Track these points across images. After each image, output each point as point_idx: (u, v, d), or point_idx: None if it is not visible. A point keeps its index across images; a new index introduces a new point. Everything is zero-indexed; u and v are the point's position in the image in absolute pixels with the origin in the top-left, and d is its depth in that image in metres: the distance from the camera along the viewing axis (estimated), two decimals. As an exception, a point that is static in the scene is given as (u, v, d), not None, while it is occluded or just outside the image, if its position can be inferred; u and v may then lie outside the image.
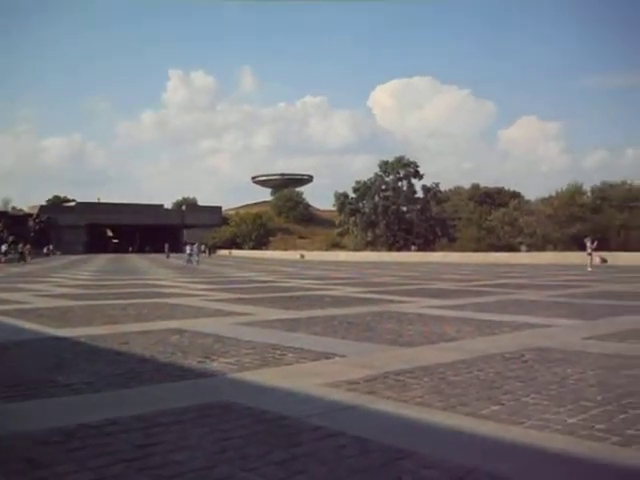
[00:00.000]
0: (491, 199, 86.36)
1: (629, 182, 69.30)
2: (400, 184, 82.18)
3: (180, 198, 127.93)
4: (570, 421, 4.46)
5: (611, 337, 8.48)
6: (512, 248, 63.48)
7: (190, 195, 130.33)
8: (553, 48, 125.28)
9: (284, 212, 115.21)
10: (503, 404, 4.95)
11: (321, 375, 6.03)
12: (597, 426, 4.33)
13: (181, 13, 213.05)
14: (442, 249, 69.29)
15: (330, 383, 5.66)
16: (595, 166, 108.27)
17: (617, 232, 60.01)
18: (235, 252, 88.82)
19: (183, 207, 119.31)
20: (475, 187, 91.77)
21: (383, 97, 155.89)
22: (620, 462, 3.67)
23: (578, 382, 5.72)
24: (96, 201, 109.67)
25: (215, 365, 6.67)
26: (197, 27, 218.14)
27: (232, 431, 4.26)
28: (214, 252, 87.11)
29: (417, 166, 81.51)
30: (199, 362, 6.84)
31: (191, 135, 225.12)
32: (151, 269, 39.15)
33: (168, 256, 67.11)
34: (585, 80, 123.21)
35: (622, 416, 4.58)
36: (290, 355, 7.22)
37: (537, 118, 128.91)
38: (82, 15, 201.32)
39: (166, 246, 71.16)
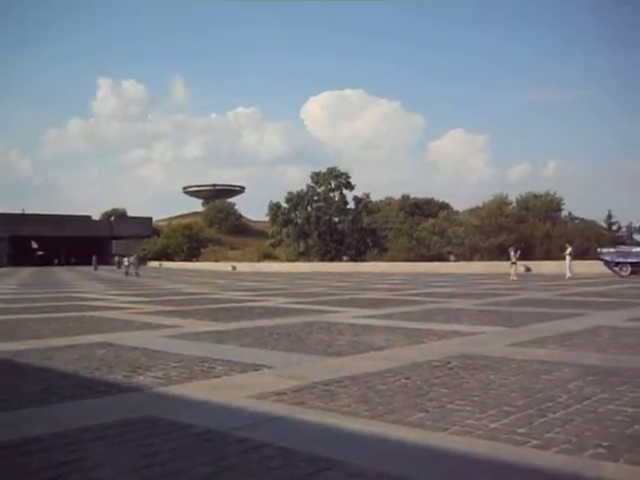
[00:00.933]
0: (421, 210, 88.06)
1: (552, 193, 71.78)
2: (332, 195, 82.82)
3: (109, 209, 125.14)
4: (492, 426, 4.57)
5: (533, 343, 8.75)
6: (441, 258, 64.75)
7: (119, 206, 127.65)
8: (477, 62, 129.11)
9: (216, 223, 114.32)
10: (428, 411, 5.03)
11: (249, 387, 5.99)
12: (518, 430, 4.45)
13: (110, 20, 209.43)
14: (373, 259, 70.16)
15: (257, 395, 5.63)
16: (520, 177, 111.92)
17: (540, 241, 61.96)
18: (166, 264, 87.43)
19: (112, 218, 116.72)
20: (405, 198, 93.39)
21: (315, 109, 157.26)
22: (538, 465, 3.78)
23: (500, 388, 5.86)
24: (20, 212, 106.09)
25: (141, 379, 6.54)
26: (127, 35, 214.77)
27: (157, 446, 4.18)
28: (144, 264, 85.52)
29: (349, 177, 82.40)
30: (125, 376, 6.69)
31: (121, 144, 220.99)
32: (78, 282, 38.11)
33: (96, 268, 65.55)
34: (508, 94, 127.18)
35: (541, 420, 4.72)
36: (218, 368, 7.15)
37: (464, 131, 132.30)
38: (8, 20, 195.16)
39: (94, 258, 69.49)
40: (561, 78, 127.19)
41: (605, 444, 4.11)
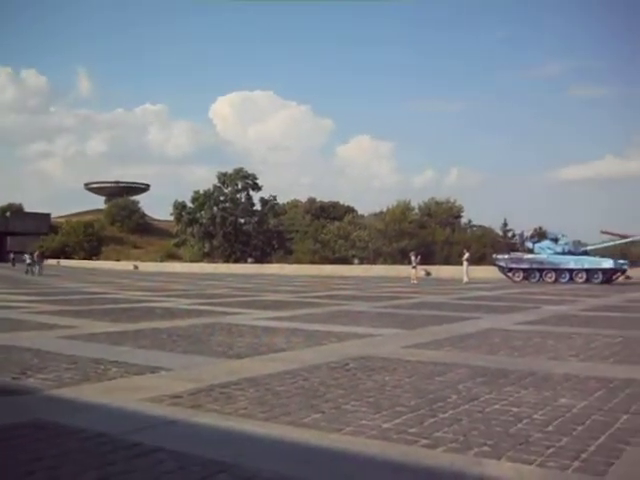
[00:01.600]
0: (327, 213, 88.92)
1: (452, 200, 74.18)
2: (239, 196, 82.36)
3: (5, 204, 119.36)
4: (385, 426, 4.68)
5: (428, 345, 9.02)
6: (346, 261, 65.69)
7: (16, 201, 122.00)
8: (384, 71, 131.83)
9: (118, 221, 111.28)
10: (324, 412, 5.10)
11: (144, 390, 5.88)
12: (409, 430, 4.58)
13: (11, 6, 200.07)
14: (278, 261, 70.25)
15: (153, 398, 5.53)
16: (423, 184, 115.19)
17: (441, 247, 63.91)
18: (64, 262, 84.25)
19: (7, 213, 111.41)
20: (312, 201, 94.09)
21: (224, 109, 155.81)
22: (426, 464, 3.91)
23: (395, 389, 6.01)
24: None
25: (31, 381, 6.30)
26: (29, 22, 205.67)
27: (43, 451, 4.04)
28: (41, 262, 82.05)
29: (256, 178, 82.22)
30: (13, 379, 6.42)
31: (20, 137, 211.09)
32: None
33: (-12, 266, 62.44)
34: (412, 103, 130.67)
35: (432, 420, 4.87)
36: (113, 370, 6.97)
37: (370, 137, 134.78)
38: None
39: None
40: (465, 89, 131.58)
41: (490, 443, 4.29)
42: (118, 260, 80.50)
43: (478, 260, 57.42)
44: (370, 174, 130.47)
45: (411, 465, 3.90)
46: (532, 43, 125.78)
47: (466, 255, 36.94)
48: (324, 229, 76.59)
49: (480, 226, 73.90)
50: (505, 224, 71.40)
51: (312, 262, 63.51)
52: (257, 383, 6.23)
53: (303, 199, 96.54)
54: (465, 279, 35.03)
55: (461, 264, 37.59)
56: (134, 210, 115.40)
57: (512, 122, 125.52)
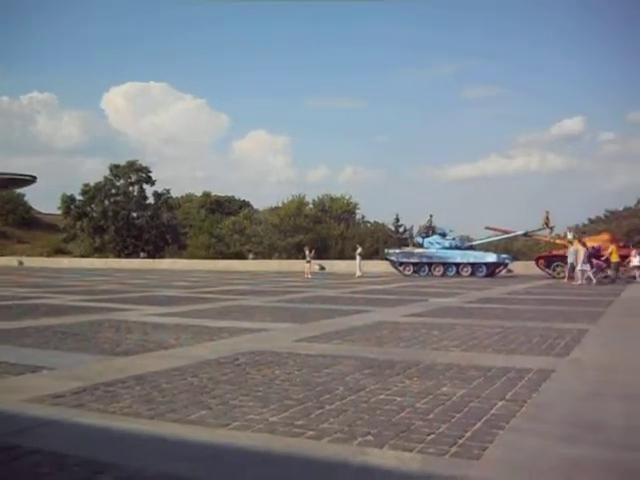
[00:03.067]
0: (222, 207, 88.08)
1: (347, 196, 75.19)
2: (131, 189, 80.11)
3: None
4: (272, 419, 4.72)
5: (319, 338, 9.15)
6: (241, 256, 65.36)
7: None
8: (281, 68, 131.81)
9: (2, 215, 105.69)
10: (211, 408, 5.08)
11: (24, 390, 5.64)
12: (296, 422, 4.64)
13: None
14: (172, 256, 69.00)
15: (33, 398, 5.32)
16: (319, 180, 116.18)
17: (335, 242, 64.76)
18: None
19: None
20: (207, 195, 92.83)
21: (117, 99, 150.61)
22: (312, 455, 3.98)
23: (284, 382, 6.07)
24: None
25: None
26: None
27: None
28: None
29: (149, 171, 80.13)
30: None
31: None
32: None
33: None
34: (309, 99, 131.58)
35: (319, 412, 4.96)
36: (-9, 370, 6.65)
37: (266, 132, 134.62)
38: None
39: None
40: (361, 87, 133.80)
41: (374, 432, 4.42)
42: (2, 255, 76.53)
43: (371, 255, 58.64)
44: (266, 169, 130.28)
45: (297, 457, 3.96)
46: (430, 43, 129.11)
47: (359, 250, 37.69)
48: (219, 224, 75.88)
49: (374, 222, 75.42)
50: (397, 220, 73.18)
51: (207, 257, 62.79)
52: (144, 381, 6.12)
53: (198, 193, 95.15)
54: (358, 273, 35.76)
55: (354, 258, 38.32)
56: (19, 203, 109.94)
57: (407, 121, 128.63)
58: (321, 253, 56.45)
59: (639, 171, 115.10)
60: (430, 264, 35.82)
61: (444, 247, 36.23)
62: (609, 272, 28.48)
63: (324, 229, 66.45)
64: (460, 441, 4.23)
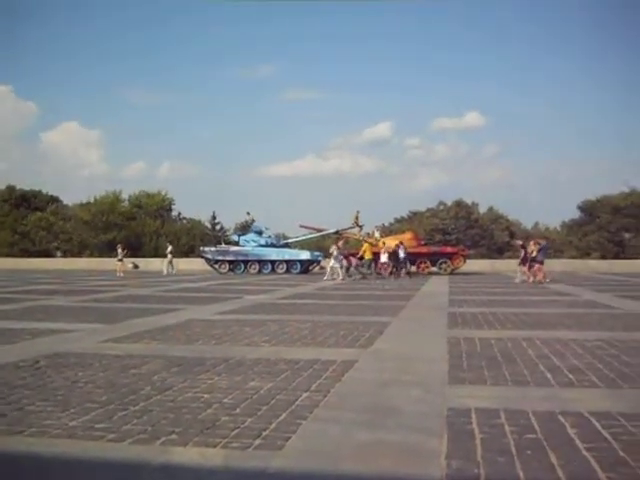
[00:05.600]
0: (28, 202, 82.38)
1: (163, 193, 73.41)
2: None
3: None
4: (72, 424, 4.52)
5: (128, 339, 8.88)
6: (48, 254, 61.72)
7: None
8: (97, 58, 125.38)
9: None
10: (6, 415, 4.76)
11: None
12: (97, 426, 4.48)
13: None
14: (-33, 255, 63.44)
15: None
16: (135, 175, 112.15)
17: (150, 239, 63.09)
18: None
19: None
20: (11, 189, 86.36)
21: None
22: (112, 457, 3.87)
23: (87, 385, 5.83)
24: None
25: None
26: None
27: None
28: None
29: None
30: None
31: None
32: None
33: None
34: (125, 92, 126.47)
35: (122, 413, 4.82)
36: None
37: (79, 124, 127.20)
38: None
39: None
40: (177, 82, 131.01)
41: (178, 430, 4.38)
42: None
43: (187, 252, 57.92)
44: (78, 162, 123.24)
45: (94, 461, 3.82)
46: (252, 43, 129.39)
47: (169, 248, 37.37)
48: (24, 220, 70.91)
49: (190, 219, 74.40)
50: (214, 217, 72.86)
51: (9, 255, 58.51)
52: None
53: (1, 187, 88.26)
54: (166, 271, 35.57)
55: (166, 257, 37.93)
56: None
57: (227, 118, 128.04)
58: (136, 251, 54.81)
59: (441, 175, 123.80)
60: (246, 262, 36.09)
61: (260, 245, 36.67)
62: (361, 269, 30.63)
63: (138, 226, 64.47)
64: (264, 433, 4.31)
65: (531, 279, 24.59)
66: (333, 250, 28.74)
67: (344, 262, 29.27)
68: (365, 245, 30.26)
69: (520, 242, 28.53)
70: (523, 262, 25.45)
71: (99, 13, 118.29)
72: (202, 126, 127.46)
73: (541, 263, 24.61)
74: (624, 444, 4.07)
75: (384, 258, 30.90)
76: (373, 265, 31.30)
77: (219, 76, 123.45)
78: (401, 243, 32.14)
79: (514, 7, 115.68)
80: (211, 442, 4.13)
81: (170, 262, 36.95)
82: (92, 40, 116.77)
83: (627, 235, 69.38)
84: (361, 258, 30.47)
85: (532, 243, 25.53)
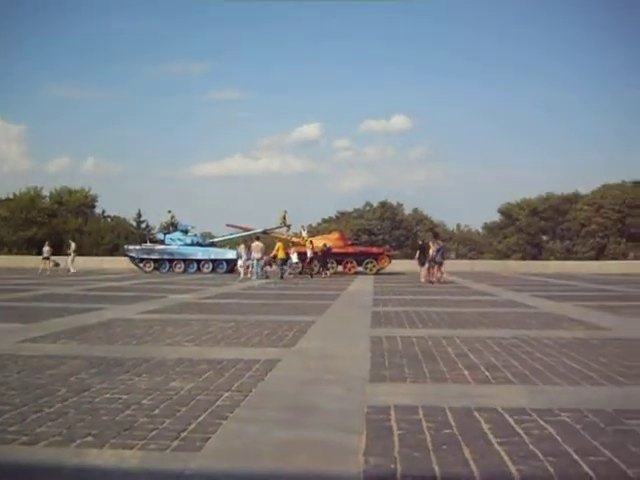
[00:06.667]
0: None
1: (87, 189, 71.44)
2: None
3: None
4: (-22, 429, 4.36)
5: (45, 338, 8.63)
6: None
7: None
8: (18, 52, 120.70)
9: None
10: None
11: None
12: (9, 429, 4.33)
13: None
14: None
15: None
16: (58, 171, 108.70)
17: (72, 237, 61.32)
18: None
19: None
20: None
21: None
22: (23, 461, 3.75)
23: (0, 386, 5.63)
24: None
25: None
26: None
27: None
28: None
29: None
30: None
31: None
32: None
33: None
34: (51, 89, 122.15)
35: (36, 415, 4.68)
36: None
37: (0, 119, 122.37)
38: None
39: None
40: (103, 78, 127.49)
41: (94, 432, 4.28)
42: None
43: (111, 251, 56.65)
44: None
45: (4, 466, 3.70)
46: (182, 42, 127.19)
47: (72, 246, 36.58)
48: None
49: (115, 217, 72.71)
50: (139, 215, 71.51)
51: None
52: None
53: None
54: (72, 270, 34.60)
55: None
56: None
57: (154, 116, 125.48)
58: (57, 249, 53.18)
59: (369, 176, 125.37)
60: (171, 260, 35.60)
61: (186, 244, 36.27)
62: (269, 268, 30.92)
63: (60, 223, 62.61)
64: (183, 434, 4.27)
65: (433, 279, 25.18)
66: (241, 250, 29.02)
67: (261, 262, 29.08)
68: (278, 244, 30.15)
69: (420, 242, 29.31)
70: (421, 263, 26.09)
71: (23, 8, 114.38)
72: (130, 123, 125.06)
73: (440, 264, 25.38)
74: (535, 438, 4.22)
75: (295, 258, 31.07)
76: (300, 264, 31.46)
77: (148, 73, 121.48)
78: (325, 245, 32.40)
79: (440, 13, 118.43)
80: (128, 444, 4.06)
81: (72, 260, 35.95)
82: (15, 34, 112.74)
83: (544, 237, 72.03)
84: (274, 257, 30.42)
85: (430, 243, 26.20)
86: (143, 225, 68.93)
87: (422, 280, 25.47)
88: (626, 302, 15.97)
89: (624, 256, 60.25)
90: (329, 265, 32.70)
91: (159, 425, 4.47)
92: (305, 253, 31.84)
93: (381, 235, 72.47)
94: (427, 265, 25.45)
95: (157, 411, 4.86)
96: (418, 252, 26.49)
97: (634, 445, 4.06)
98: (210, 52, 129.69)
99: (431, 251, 25.02)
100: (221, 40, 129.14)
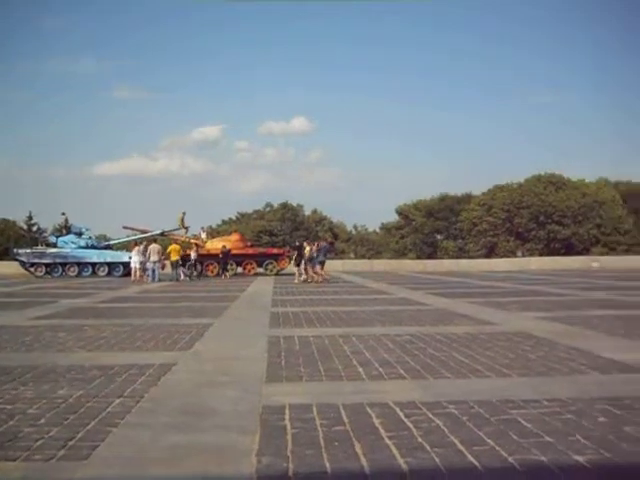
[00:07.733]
0: None
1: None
2: None
3: None
4: None
5: None
6: None
7: None
8: None
9: None
10: None
11: None
12: None
13: None
14: None
15: None
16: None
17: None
18: None
19: None
20: None
21: None
22: None
23: None
24: None
25: None
26: None
27: None
28: None
29: None
30: None
31: None
32: None
33: None
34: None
35: None
36: None
37: None
38: None
39: None
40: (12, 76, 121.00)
41: (-26, 445, 4.08)
42: None
43: (1, 255, 53.93)
44: None
45: None
46: (79, 38, 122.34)
47: None
48: None
49: (3, 219, 69.31)
50: (30, 218, 68.57)
51: None
52: None
53: None
54: None
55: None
56: None
57: (50, 115, 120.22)
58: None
59: (269, 177, 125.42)
60: (64, 264, 34.30)
61: (80, 246, 35.04)
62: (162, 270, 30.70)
63: None
64: (70, 443, 4.14)
65: (316, 278, 25.63)
66: (133, 252, 28.60)
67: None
68: (171, 247, 29.57)
69: (297, 244, 29.79)
70: (297, 263, 26.58)
71: None
72: (22, 121, 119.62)
73: (322, 263, 26.09)
74: (423, 431, 4.36)
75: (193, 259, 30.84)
76: (199, 266, 31.11)
77: (42, 71, 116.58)
78: (224, 246, 32.16)
79: (335, 16, 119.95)
80: (11, 455, 3.89)
81: None
82: None
83: (439, 237, 74.34)
84: (167, 259, 29.87)
85: (306, 244, 26.90)
86: (34, 228, 66.06)
87: (295, 281, 25.86)
88: (513, 298, 16.73)
89: (512, 254, 62.98)
90: (229, 266, 32.46)
91: (45, 435, 4.31)
92: (205, 255, 31.45)
93: (282, 236, 72.55)
94: (303, 265, 26.16)
95: (43, 420, 4.68)
96: (296, 253, 27.05)
97: (516, 434, 4.27)
98: (116, 50, 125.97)
99: (306, 251, 25.70)
100: (127, 38, 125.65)
